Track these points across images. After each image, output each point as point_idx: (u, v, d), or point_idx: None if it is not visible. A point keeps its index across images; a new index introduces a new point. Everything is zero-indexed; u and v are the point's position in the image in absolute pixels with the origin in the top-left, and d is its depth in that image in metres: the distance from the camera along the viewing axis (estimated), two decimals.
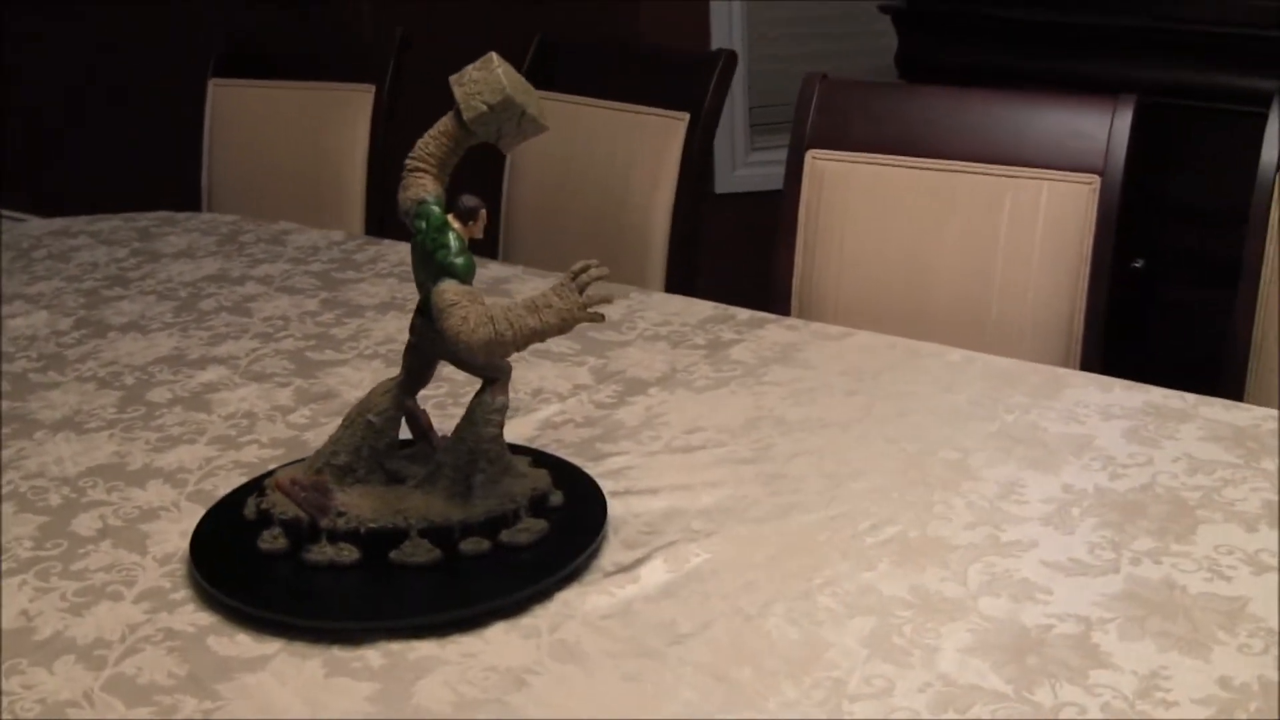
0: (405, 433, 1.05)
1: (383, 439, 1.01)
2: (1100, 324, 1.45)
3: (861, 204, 1.58)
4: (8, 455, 1.20)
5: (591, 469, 1.10)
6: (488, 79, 0.94)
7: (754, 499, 1.06)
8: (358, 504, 0.99)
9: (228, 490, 1.09)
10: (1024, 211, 1.49)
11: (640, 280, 1.73)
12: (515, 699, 0.83)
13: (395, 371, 1.04)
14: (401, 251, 1.68)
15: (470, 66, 0.96)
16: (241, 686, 0.85)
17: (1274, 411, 1.15)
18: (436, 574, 0.96)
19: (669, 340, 1.40)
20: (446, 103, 0.96)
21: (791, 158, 1.62)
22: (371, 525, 0.98)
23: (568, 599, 0.93)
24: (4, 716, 0.84)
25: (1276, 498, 1.01)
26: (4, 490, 1.13)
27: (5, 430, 1.25)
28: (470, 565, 0.96)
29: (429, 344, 1.00)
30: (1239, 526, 0.98)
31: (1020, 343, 1.48)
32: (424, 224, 0.95)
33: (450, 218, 0.96)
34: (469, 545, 0.97)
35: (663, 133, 1.76)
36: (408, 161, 0.98)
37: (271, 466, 1.11)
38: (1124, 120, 1.45)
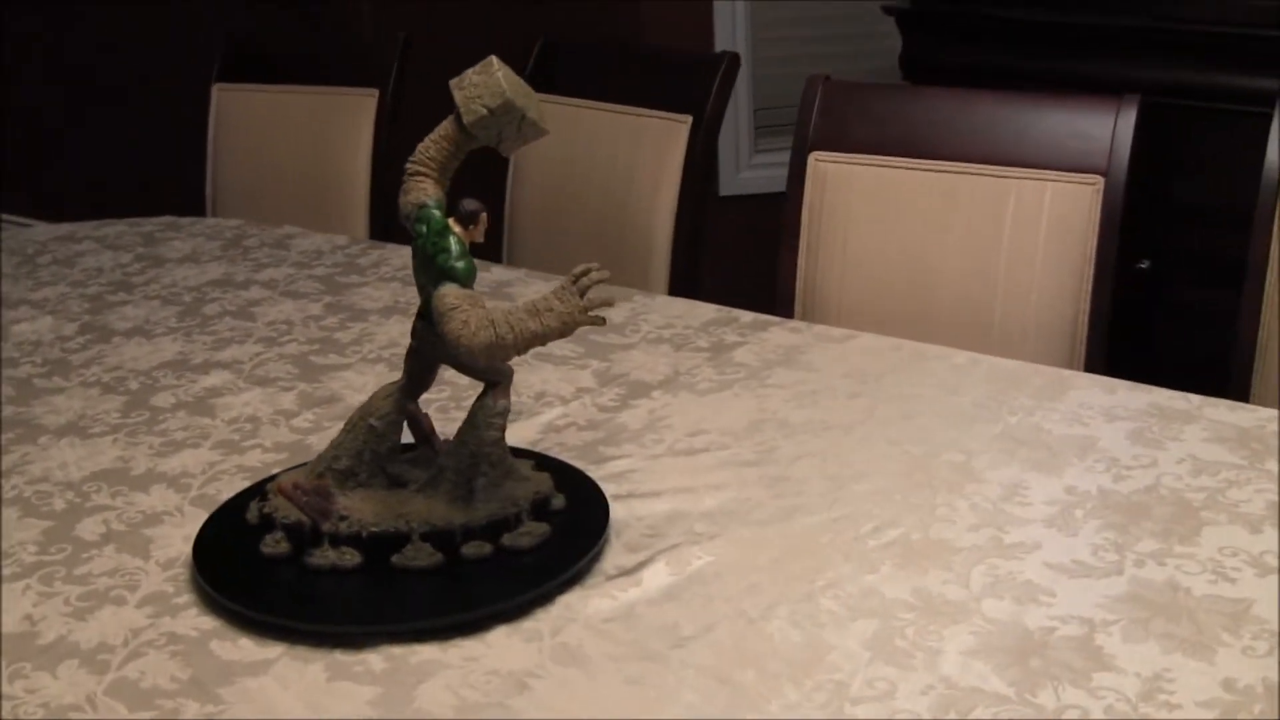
0: (407, 436, 1.05)
1: (384, 443, 1.01)
2: (1104, 325, 1.45)
3: (864, 206, 1.58)
4: (12, 460, 1.20)
5: (594, 472, 1.10)
6: (488, 83, 0.95)
7: (757, 501, 1.06)
8: (359, 508, 0.99)
9: (231, 495, 1.09)
10: (1027, 213, 1.48)
11: (644, 283, 1.73)
12: (517, 702, 0.83)
13: (398, 376, 1.04)
14: (405, 255, 1.69)
15: (470, 70, 0.96)
16: (243, 690, 0.86)
17: (1278, 412, 1.15)
18: (438, 578, 0.96)
19: (672, 343, 1.40)
20: (449, 104, 0.96)
21: (794, 160, 1.62)
22: (373, 529, 0.98)
23: (570, 602, 0.93)
24: None
25: None
26: (9, 495, 1.13)
27: (10, 435, 1.25)
28: (472, 569, 0.96)
29: (430, 348, 1.00)
30: (1243, 528, 0.98)
31: (1024, 344, 1.47)
32: (425, 228, 0.96)
33: (451, 221, 0.96)
34: (471, 549, 0.97)
35: (666, 135, 1.76)
36: (408, 165, 0.98)
37: (275, 471, 1.11)
38: (1127, 121, 1.44)
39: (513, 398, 1.00)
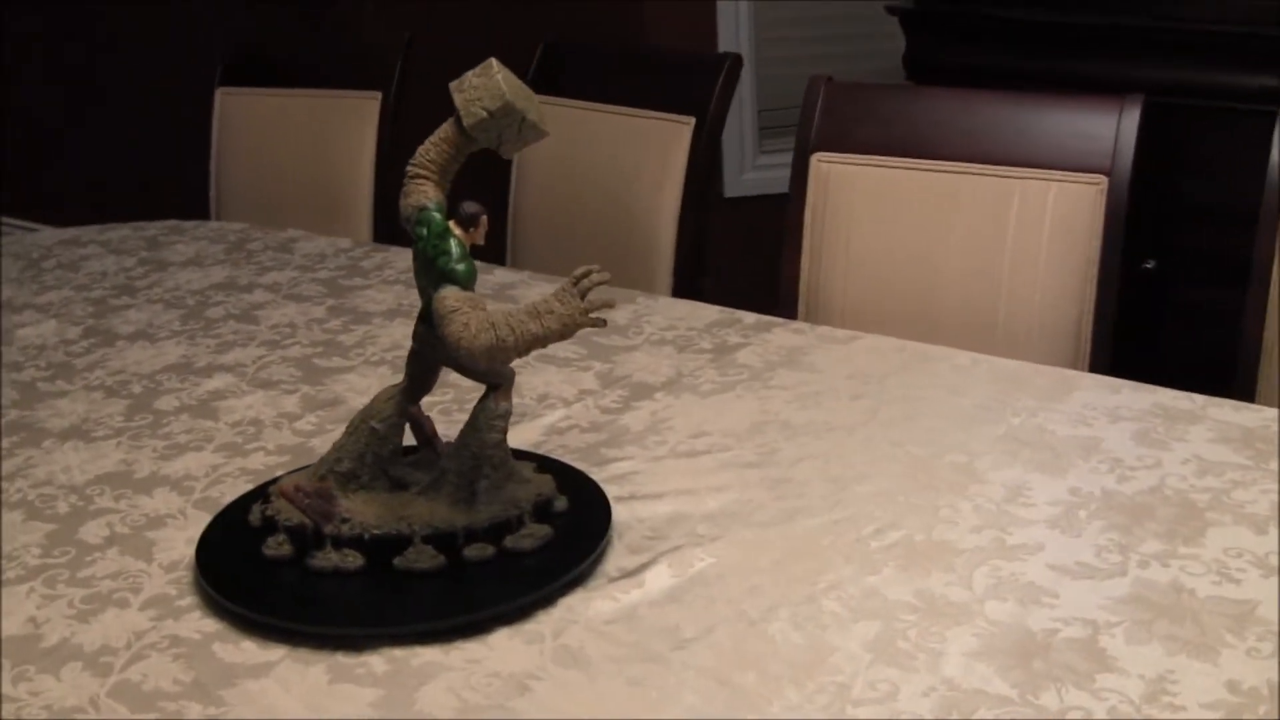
0: (410, 439, 1.05)
1: (386, 445, 1.01)
2: (1109, 325, 1.44)
3: (867, 207, 1.58)
4: (16, 464, 1.20)
5: (596, 474, 1.09)
6: (487, 85, 0.95)
7: (759, 503, 1.05)
8: (362, 510, 0.99)
9: (234, 497, 1.09)
10: (1031, 213, 1.48)
11: (647, 284, 1.73)
12: (519, 704, 0.83)
13: (401, 378, 1.04)
14: (408, 258, 1.67)
15: (470, 73, 0.96)
16: (245, 693, 0.86)
17: None
18: (440, 580, 0.96)
19: (675, 344, 1.39)
20: (452, 106, 0.96)
21: (797, 161, 1.62)
22: (375, 531, 0.98)
23: (571, 604, 0.93)
24: None
25: None
26: (14, 499, 1.13)
27: (14, 439, 1.25)
28: (474, 571, 0.96)
29: (431, 350, 1.00)
30: (1248, 529, 0.97)
31: (1028, 345, 1.47)
32: (425, 230, 0.96)
33: (452, 224, 0.96)
34: (473, 551, 0.97)
35: (669, 137, 1.76)
36: (409, 168, 0.98)
37: (278, 473, 1.11)
38: (1131, 120, 1.44)
39: (515, 400, 1.00)
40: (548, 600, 0.93)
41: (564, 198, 1.89)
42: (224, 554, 1.00)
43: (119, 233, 1.93)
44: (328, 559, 0.97)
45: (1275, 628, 0.85)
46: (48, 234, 1.98)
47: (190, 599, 0.97)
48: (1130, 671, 0.82)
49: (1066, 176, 1.47)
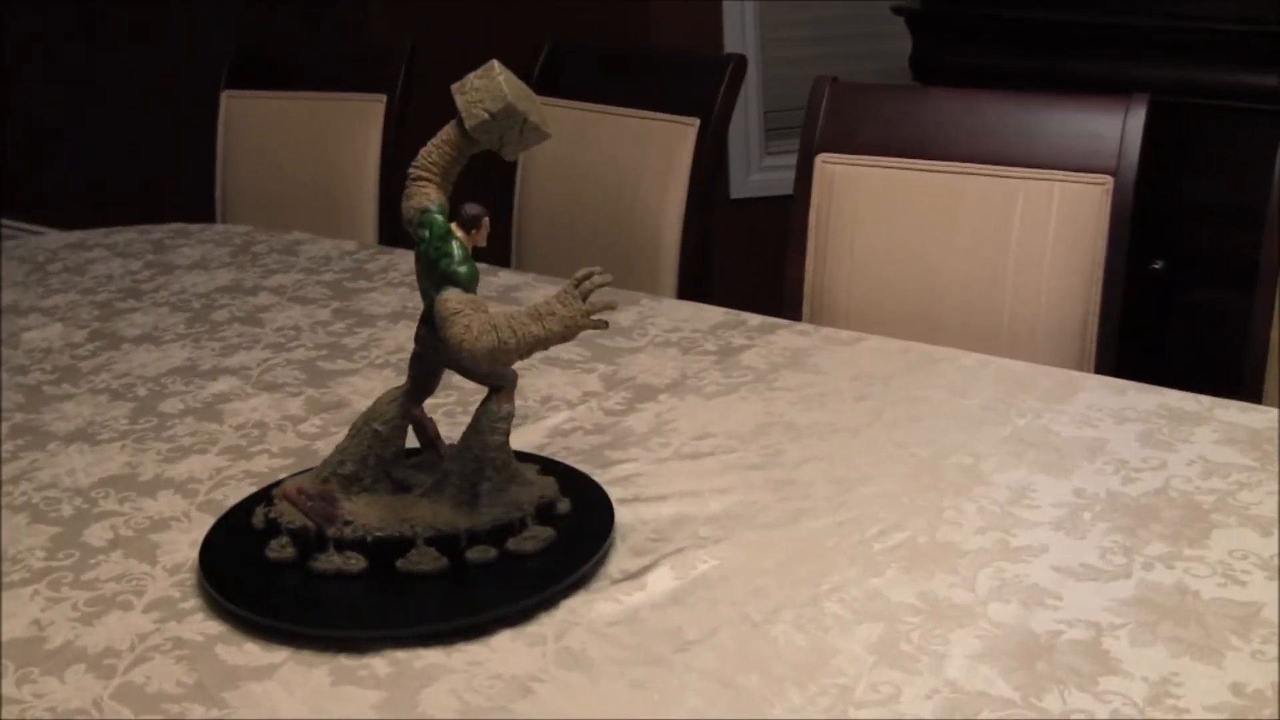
0: (412, 441, 1.05)
1: (389, 448, 1.02)
2: (1114, 326, 1.44)
3: (872, 208, 1.57)
4: (21, 466, 1.21)
5: (600, 476, 1.09)
6: (489, 87, 0.95)
7: (763, 505, 1.05)
8: (364, 513, 0.99)
9: (238, 500, 1.09)
10: (1036, 213, 1.48)
11: (652, 286, 1.72)
12: (521, 707, 0.83)
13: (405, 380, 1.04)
14: (412, 261, 1.68)
15: (472, 74, 0.96)
16: (248, 695, 0.86)
17: None
18: (443, 582, 0.96)
19: (679, 346, 1.39)
20: (455, 107, 0.96)
21: (801, 162, 1.61)
22: (378, 534, 0.98)
23: (574, 606, 0.93)
24: None
25: None
26: (18, 501, 1.14)
27: (19, 442, 1.26)
28: (477, 573, 0.96)
29: (433, 353, 1.00)
30: (1254, 530, 0.97)
31: (1033, 346, 1.47)
32: (427, 233, 0.96)
33: (454, 226, 0.96)
34: (476, 553, 0.97)
35: (673, 138, 1.76)
36: (411, 170, 0.98)
37: (282, 476, 1.11)
38: (1137, 120, 1.43)
39: (519, 402, 1.01)
40: (550, 602, 0.93)
41: (569, 199, 1.89)
42: (227, 556, 1.00)
43: (125, 236, 1.94)
44: (330, 561, 0.97)
45: None
46: (53, 237, 1.98)
47: (193, 601, 0.97)
48: (1134, 674, 0.81)
49: (1071, 177, 1.46)
